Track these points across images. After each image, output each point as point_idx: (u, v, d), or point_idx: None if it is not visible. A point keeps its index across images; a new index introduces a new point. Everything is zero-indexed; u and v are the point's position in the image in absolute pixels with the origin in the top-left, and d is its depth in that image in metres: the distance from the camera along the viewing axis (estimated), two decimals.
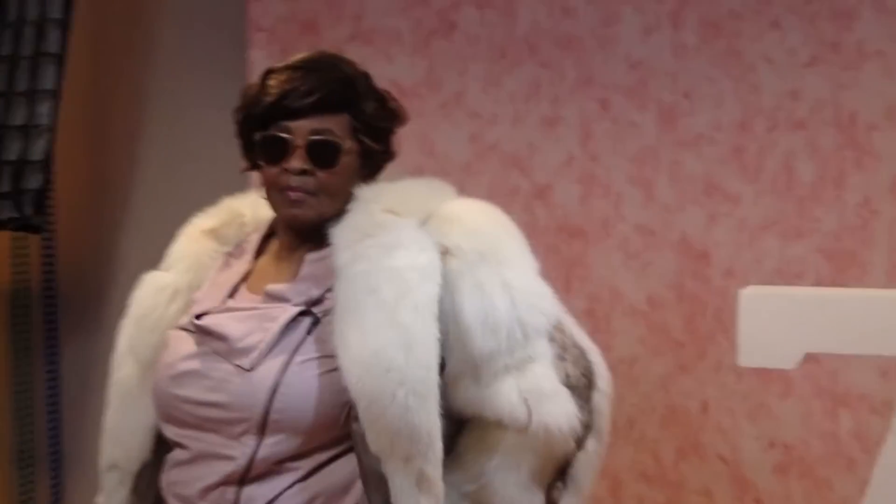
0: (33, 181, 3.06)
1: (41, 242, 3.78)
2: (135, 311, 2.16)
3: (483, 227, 2.07)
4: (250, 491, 1.97)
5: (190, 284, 2.15)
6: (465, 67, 3.44)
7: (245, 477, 1.97)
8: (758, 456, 3.25)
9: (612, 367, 3.37)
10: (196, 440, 2.00)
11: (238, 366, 1.97)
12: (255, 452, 1.96)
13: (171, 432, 2.04)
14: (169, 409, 2.03)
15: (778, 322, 2.37)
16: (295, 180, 2.02)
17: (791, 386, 3.19)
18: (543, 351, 2.01)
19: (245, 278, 2.13)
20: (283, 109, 2.02)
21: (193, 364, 2.03)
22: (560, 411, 1.97)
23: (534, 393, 1.96)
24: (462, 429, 2.03)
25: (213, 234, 2.20)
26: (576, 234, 3.38)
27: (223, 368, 2.00)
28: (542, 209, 3.38)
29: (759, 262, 3.21)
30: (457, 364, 1.97)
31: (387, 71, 3.46)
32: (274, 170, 2.03)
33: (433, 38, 3.46)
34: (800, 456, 3.21)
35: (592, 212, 3.36)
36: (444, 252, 1.98)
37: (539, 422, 1.95)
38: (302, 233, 2.09)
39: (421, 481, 1.92)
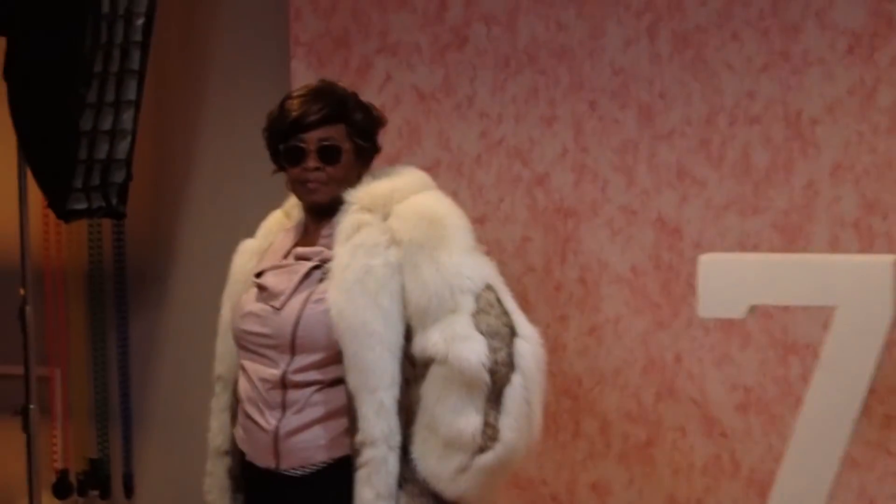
0: (118, 176, 3.54)
1: (113, 228, 4.22)
2: (231, 268, 2.82)
3: (422, 222, 2.70)
4: (291, 394, 2.66)
5: (264, 248, 2.81)
6: (475, 75, 3.84)
7: (285, 383, 2.64)
8: (723, 397, 3.63)
9: (600, 326, 3.83)
10: (253, 360, 2.68)
11: (273, 306, 2.68)
12: (289, 365, 2.66)
13: (240, 355, 2.67)
14: (238, 339, 2.67)
15: (728, 281, 2.88)
16: (311, 175, 2.73)
17: (749, 338, 3.59)
18: (466, 306, 2.63)
19: (295, 245, 2.80)
20: (299, 126, 2.72)
21: (252, 307, 2.74)
22: (470, 349, 2.59)
23: (450, 335, 2.61)
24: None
25: (285, 213, 2.87)
26: (570, 215, 3.77)
27: (266, 309, 2.70)
28: (541, 194, 3.80)
29: (722, 235, 3.59)
30: (413, 324, 2.66)
31: (409, 78, 3.92)
32: (296, 170, 2.74)
33: (448, 50, 3.87)
34: (757, 397, 3.58)
35: (583, 195, 3.75)
36: (397, 243, 2.66)
37: (453, 356, 2.59)
38: (320, 212, 2.79)
39: (380, 409, 2.62)
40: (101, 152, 3.51)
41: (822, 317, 3.39)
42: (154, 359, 4.35)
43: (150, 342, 4.34)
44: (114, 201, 3.56)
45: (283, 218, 2.93)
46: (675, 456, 3.69)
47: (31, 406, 3.70)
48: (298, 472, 2.69)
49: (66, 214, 3.55)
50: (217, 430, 2.92)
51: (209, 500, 2.93)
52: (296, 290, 2.70)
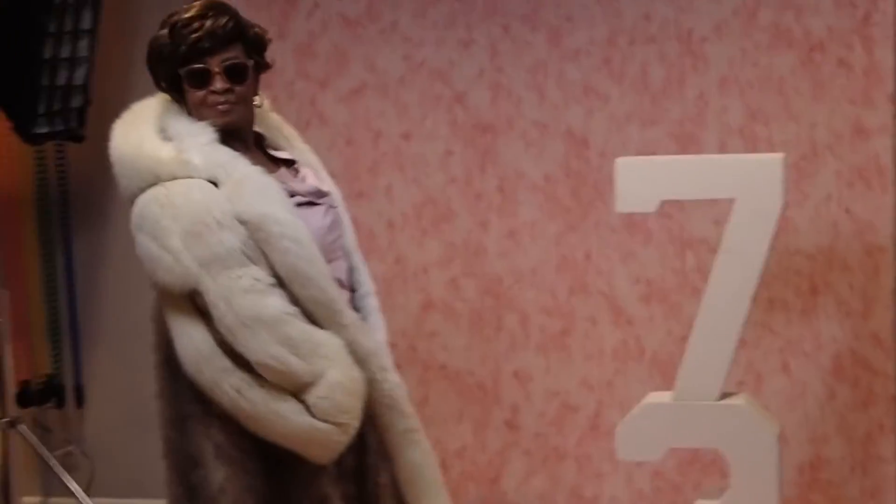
0: (77, 101, 3.79)
1: (56, 153, 4.41)
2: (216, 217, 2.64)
3: None
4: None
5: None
6: (398, 2, 4.11)
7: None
8: (628, 289, 4.03)
9: (517, 230, 4.20)
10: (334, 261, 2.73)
11: (333, 206, 2.74)
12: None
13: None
14: (332, 248, 2.73)
15: (642, 180, 3.26)
16: (221, 98, 2.57)
17: (651, 236, 3.99)
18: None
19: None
20: (201, 49, 2.56)
21: (326, 218, 2.72)
22: None
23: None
24: None
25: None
26: (487, 130, 4.11)
27: (331, 210, 2.74)
28: (461, 111, 4.12)
29: (624, 144, 3.97)
30: None
31: (335, 6, 4.16)
32: (201, 93, 2.57)
33: None
34: (658, 287, 4.00)
35: (499, 112, 4.08)
36: None
37: None
38: (234, 134, 2.62)
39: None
40: (62, 78, 3.75)
41: (714, 214, 3.86)
42: (100, 276, 4.58)
43: (95, 261, 4.56)
44: (73, 125, 3.80)
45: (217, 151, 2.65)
46: (587, 344, 4.09)
47: (1, 320, 3.96)
48: None
49: (31, 138, 3.80)
50: None
51: None
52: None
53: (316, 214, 2.66)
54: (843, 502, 3.91)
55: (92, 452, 4.61)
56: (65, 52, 3.73)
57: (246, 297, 2.47)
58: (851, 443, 3.91)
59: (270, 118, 2.82)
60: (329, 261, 2.63)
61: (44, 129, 3.78)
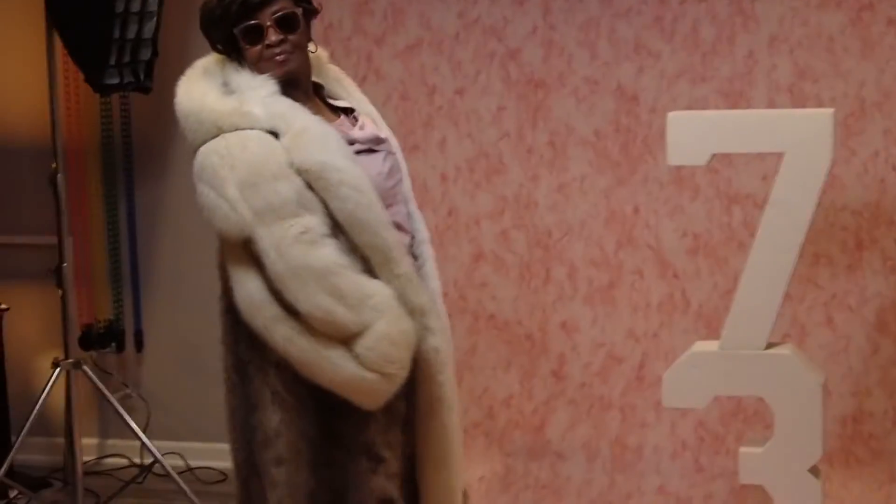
0: (145, 53, 3.90)
1: (120, 104, 4.55)
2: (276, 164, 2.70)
3: None
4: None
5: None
6: None
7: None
8: (675, 243, 4.12)
9: (567, 184, 4.29)
10: (396, 204, 2.80)
11: (392, 152, 2.82)
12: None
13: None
14: (395, 193, 2.82)
15: (693, 134, 3.30)
16: (277, 49, 2.65)
17: (698, 191, 4.08)
18: None
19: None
20: (250, 6, 2.64)
21: (385, 163, 2.79)
22: None
23: None
24: None
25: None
26: (539, 86, 4.20)
27: (390, 156, 2.82)
28: (513, 68, 4.22)
29: (674, 101, 4.05)
30: None
31: None
32: (257, 48, 2.65)
33: None
34: (705, 241, 4.08)
35: (551, 68, 4.18)
36: None
37: None
38: (295, 83, 2.70)
39: None
40: (131, 32, 3.86)
41: (761, 170, 3.95)
42: (160, 225, 4.70)
43: (156, 210, 4.69)
44: (142, 76, 3.93)
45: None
46: (633, 296, 4.18)
47: (65, 264, 4.09)
48: None
49: (102, 88, 3.92)
50: None
51: None
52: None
53: (375, 161, 2.73)
54: (884, 455, 4.00)
55: (149, 396, 4.76)
56: (135, 7, 3.85)
57: (296, 246, 2.53)
58: (894, 396, 3.99)
59: (329, 69, 2.89)
60: (388, 206, 2.69)
61: (114, 81, 3.90)
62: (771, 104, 4.00)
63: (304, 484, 2.68)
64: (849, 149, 3.93)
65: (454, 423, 2.78)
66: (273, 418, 2.66)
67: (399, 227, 2.74)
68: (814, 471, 3.29)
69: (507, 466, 4.25)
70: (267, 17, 2.65)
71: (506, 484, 4.20)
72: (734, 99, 4.04)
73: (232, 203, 2.55)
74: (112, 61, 3.85)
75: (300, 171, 2.59)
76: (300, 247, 2.54)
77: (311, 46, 2.76)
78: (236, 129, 2.61)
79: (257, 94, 2.64)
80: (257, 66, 2.67)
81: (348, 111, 2.82)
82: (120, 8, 3.80)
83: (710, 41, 4.05)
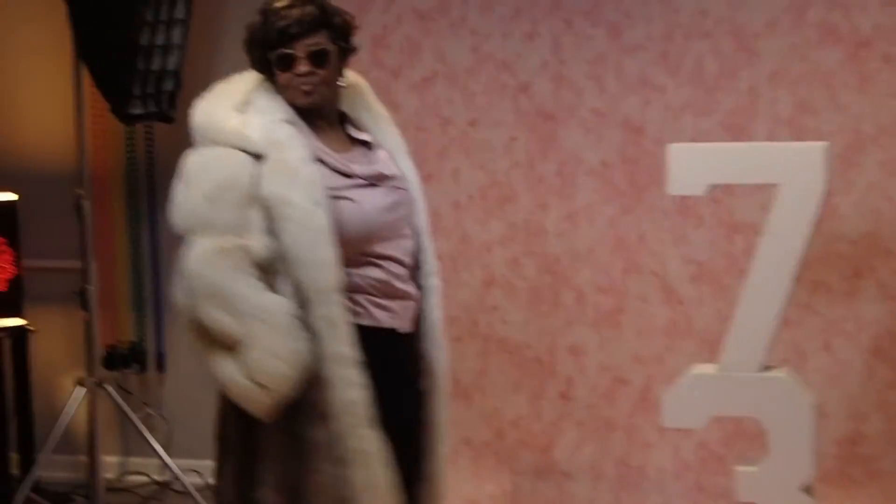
0: (169, 84, 4.09)
1: (144, 133, 4.72)
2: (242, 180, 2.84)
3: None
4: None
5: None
6: None
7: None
8: (679, 270, 4.24)
9: (575, 212, 4.39)
10: (399, 239, 2.92)
11: (402, 188, 2.94)
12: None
13: (376, 246, 2.86)
14: (382, 230, 2.89)
15: (693, 165, 3.43)
16: (304, 80, 2.80)
17: (702, 219, 4.21)
18: None
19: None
20: (287, 35, 2.79)
21: (385, 199, 2.89)
22: None
23: None
24: None
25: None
26: (549, 118, 4.33)
27: (399, 192, 2.93)
28: (524, 100, 4.35)
29: (679, 134, 4.17)
30: None
31: (409, 1, 4.40)
32: (287, 74, 2.80)
33: None
34: (708, 269, 4.21)
35: (561, 101, 4.31)
36: None
37: None
38: (317, 113, 2.84)
39: None
40: (156, 64, 4.05)
41: (761, 200, 3.96)
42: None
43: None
44: (165, 107, 4.11)
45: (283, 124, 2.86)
46: (638, 321, 4.31)
47: (89, 287, 4.25)
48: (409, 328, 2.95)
49: (126, 118, 4.10)
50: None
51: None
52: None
53: (375, 195, 2.84)
54: (880, 476, 4.11)
55: (170, 416, 4.89)
56: (160, 40, 4.02)
57: (208, 255, 2.69)
58: (890, 420, 4.10)
59: (364, 99, 3.02)
60: (385, 239, 2.83)
61: (138, 111, 4.07)
62: (772, 137, 4.12)
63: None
64: (846, 180, 4.05)
65: (381, 478, 2.79)
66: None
67: (396, 260, 2.86)
68: (807, 490, 3.40)
69: (515, 485, 4.38)
70: (301, 49, 2.79)
71: (514, 502, 4.34)
72: (736, 132, 4.16)
73: (192, 206, 2.75)
74: (137, 92, 4.02)
75: (263, 199, 2.75)
76: (212, 256, 2.70)
77: (342, 80, 2.90)
78: (228, 145, 2.78)
79: (263, 118, 2.80)
80: (283, 91, 2.82)
81: (367, 144, 2.95)
82: (145, 40, 3.98)
83: (714, 76, 4.19)
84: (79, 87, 4.20)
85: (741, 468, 3.46)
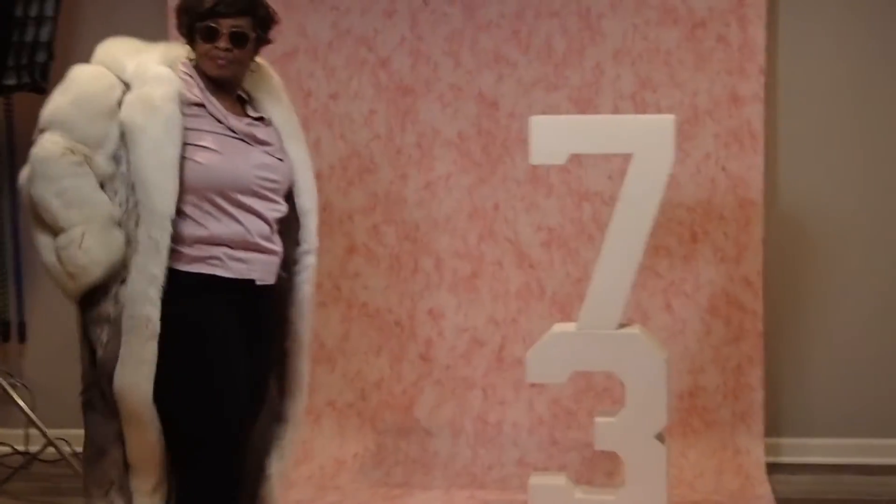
0: (41, 56, 4.11)
1: (3, 106, 4.68)
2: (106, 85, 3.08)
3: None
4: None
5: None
6: None
7: (280, 218, 3.12)
8: (531, 237, 4.47)
9: (433, 182, 4.58)
10: (263, 200, 3.08)
11: (278, 158, 3.11)
12: (281, 203, 3.10)
13: (243, 200, 3.04)
14: (251, 185, 3.05)
15: (553, 136, 3.66)
16: (221, 54, 3.04)
17: (552, 189, 4.44)
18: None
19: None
20: (216, 12, 3.04)
21: (262, 159, 3.08)
22: None
23: None
24: None
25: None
26: (408, 92, 4.51)
27: (273, 160, 3.11)
28: (384, 75, 4.52)
29: (530, 107, 4.40)
30: None
31: None
32: (207, 45, 3.04)
33: None
34: (558, 235, 4.44)
35: (418, 75, 4.48)
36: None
37: None
38: (224, 86, 3.08)
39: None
40: (29, 35, 4.08)
41: (608, 170, 4.35)
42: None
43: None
44: (38, 78, 4.13)
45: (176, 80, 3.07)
46: (494, 284, 4.53)
47: None
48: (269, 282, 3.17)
49: (1, 89, 4.10)
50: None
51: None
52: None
53: (250, 152, 3.05)
54: (717, 426, 4.43)
55: (33, 385, 4.89)
56: (33, 12, 4.05)
57: (58, 147, 2.89)
58: (724, 373, 4.44)
59: (268, 84, 3.23)
60: (249, 194, 3.02)
61: (12, 81, 4.09)
62: (616, 110, 4.39)
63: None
64: (684, 151, 4.34)
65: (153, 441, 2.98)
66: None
67: (260, 216, 3.04)
68: (660, 437, 3.70)
69: (378, 444, 4.55)
70: (226, 27, 3.04)
71: (378, 460, 4.51)
72: (583, 105, 4.41)
73: (58, 104, 2.97)
74: (11, 63, 4.03)
75: (122, 123, 2.97)
76: (60, 152, 2.89)
77: (252, 65, 3.13)
78: (107, 68, 3.02)
79: (147, 58, 3.05)
80: (200, 60, 3.06)
81: (261, 119, 3.15)
82: (19, 13, 4.00)
83: (562, 53, 4.42)
84: None
85: (600, 419, 3.72)
